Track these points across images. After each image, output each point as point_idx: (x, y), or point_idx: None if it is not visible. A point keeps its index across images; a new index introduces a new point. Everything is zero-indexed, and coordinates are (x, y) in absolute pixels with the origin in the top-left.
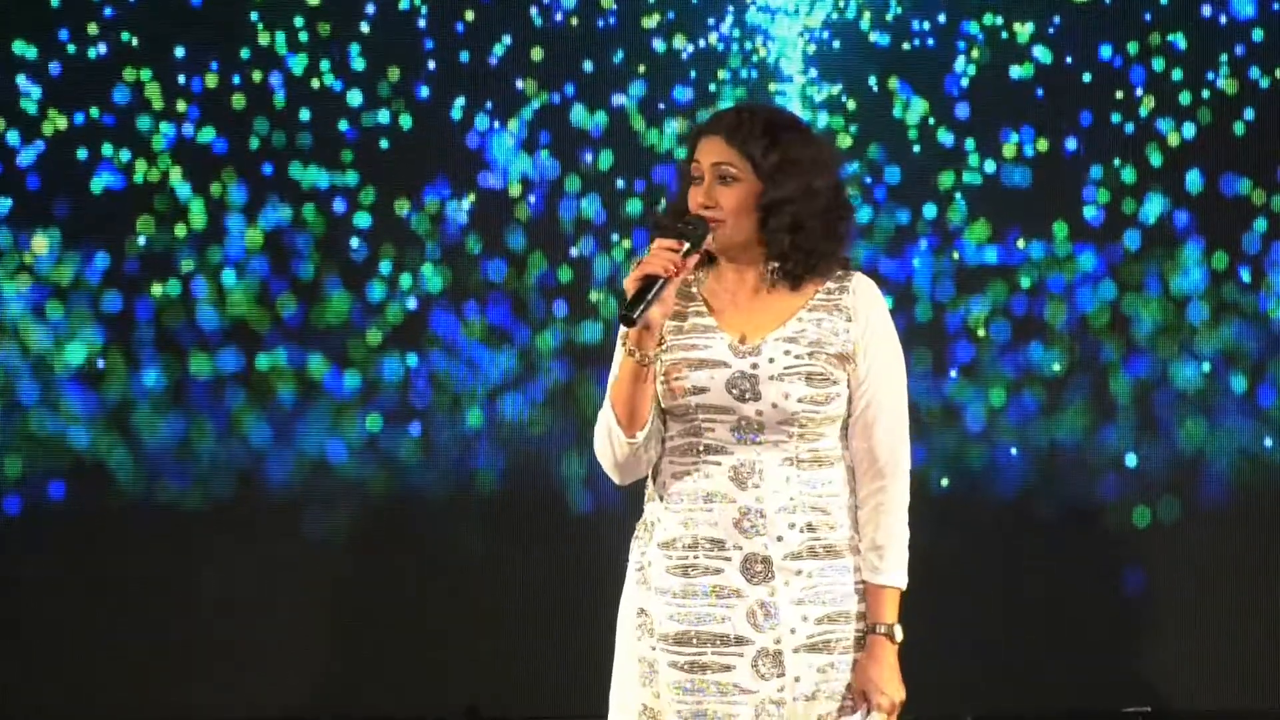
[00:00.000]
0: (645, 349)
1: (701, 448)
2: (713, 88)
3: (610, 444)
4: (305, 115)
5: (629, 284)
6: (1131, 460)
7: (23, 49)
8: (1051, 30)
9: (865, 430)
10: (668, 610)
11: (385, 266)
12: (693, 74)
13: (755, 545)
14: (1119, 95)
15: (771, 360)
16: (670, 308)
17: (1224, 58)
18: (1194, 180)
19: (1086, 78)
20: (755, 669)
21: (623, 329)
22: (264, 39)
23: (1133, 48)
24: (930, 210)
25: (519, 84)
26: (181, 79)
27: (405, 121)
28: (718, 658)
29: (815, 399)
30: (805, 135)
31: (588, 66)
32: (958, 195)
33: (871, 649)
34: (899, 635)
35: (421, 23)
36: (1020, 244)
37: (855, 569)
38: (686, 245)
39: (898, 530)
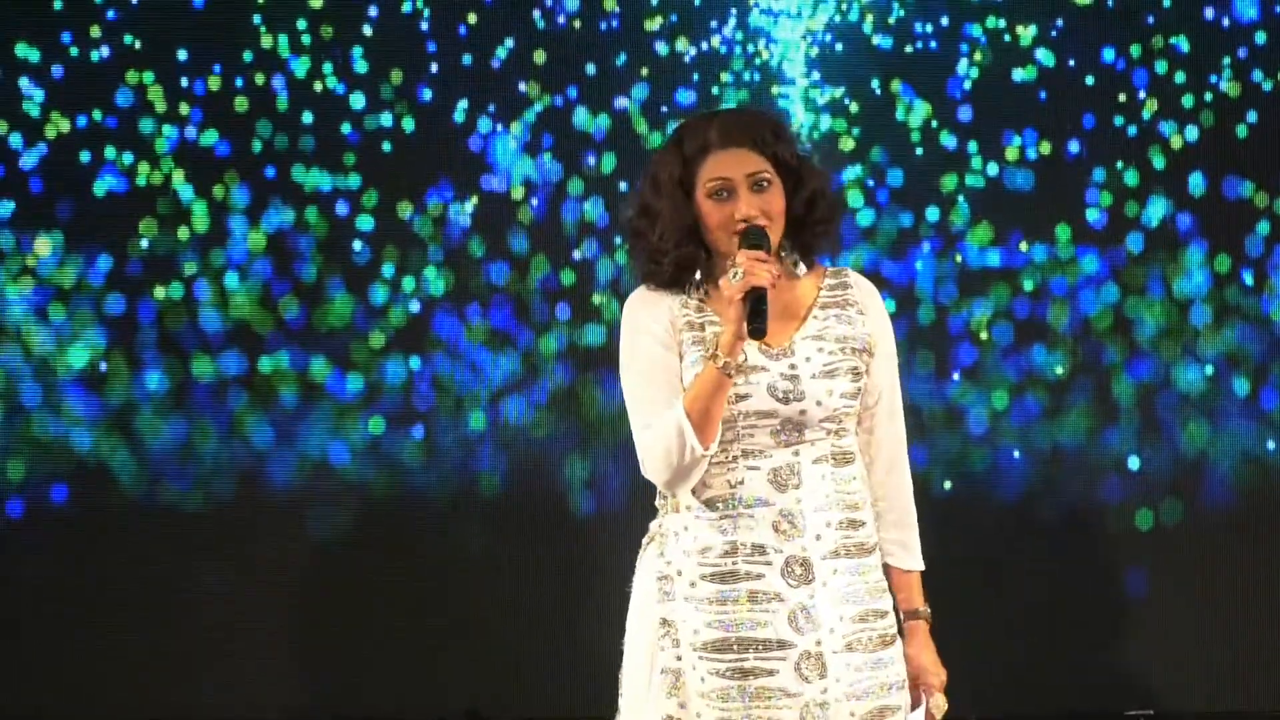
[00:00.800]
0: (736, 358)
1: (738, 453)
2: (715, 90)
3: (680, 454)
4: (308, 118)
5: (736, 303)
6: (1134, 463)
7: (25, 52)
8: (1054, 33)
9: (882, 422)
10: (704, 618)
11: (388, 269)
12: (695, 77)
13: (793, 547)
14: (1122, 98)
15: (808, 359)
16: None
17: (1227, 60)
18: (1197, 183)
19: (1089, 80)
20: (798, 672)
21: (694, 337)
22: (266, 42)
23: (1135, 50)
24: (933, 213)
25: (522, 87)
26: (184, 82)
27: (408, 124)
28: (760, 663)
29: (852, 394)
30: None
31: (590, 69)
32: (960, 198)
33: (916, 635)
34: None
35: (424, 25)
36: (1023, 247)
37: (877, 566)
38: (770, 255)
39: (914, 517)
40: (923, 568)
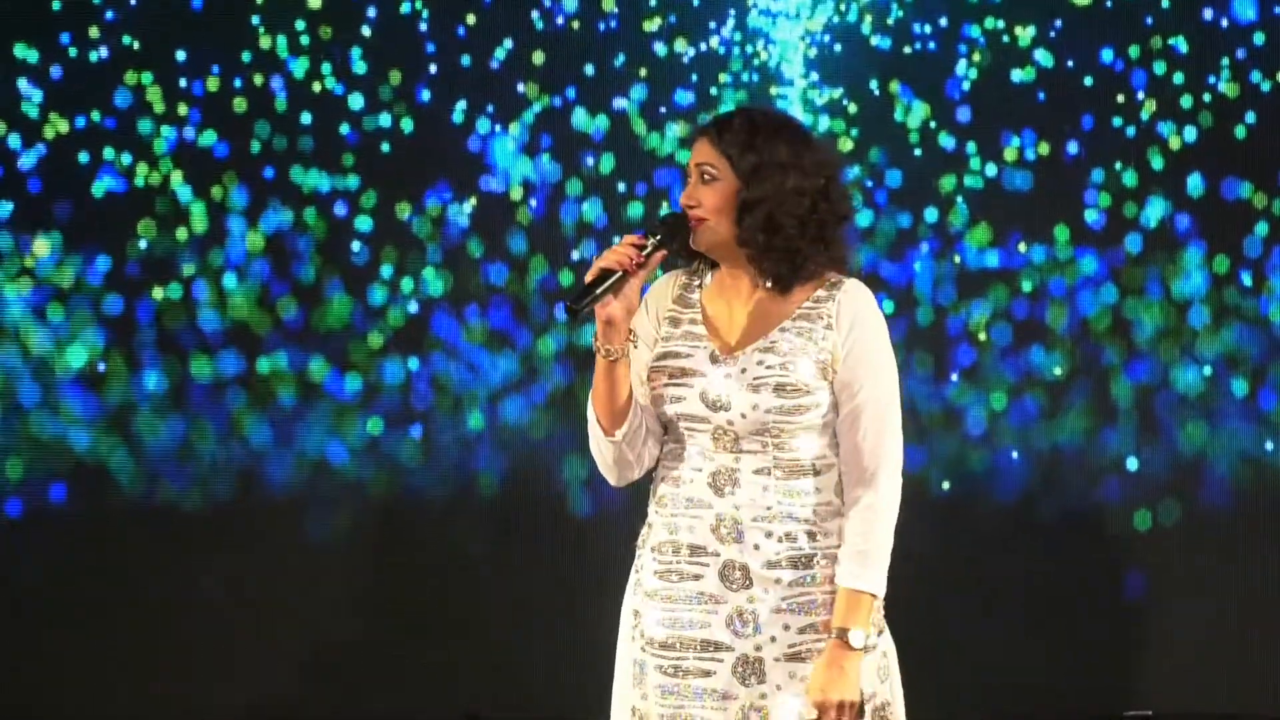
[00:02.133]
0: (610, 344)
1: (685, 454)
2: (714, 91)
3: (596, 442)
4: (306, 119)
5: (588, 275)
6: (1133, 464)
7: (24, 52)
8: (1053, 34)
9: (848, 435)
10: (656, 614)
11: (386, 270)
12: (694, 77)
13: (732, 552)
14: (1120, 99)
15: (743, 371)
16: (634, 304)
17: (1225, 61)
18: (1195, 184)
19: (1088, 81)
20: (735, 675)
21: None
22: (265, 42)
23: (1134, 51)
24: (931, 214)
25: (520, 87)
26: (183, 82)
27: (406, 125)
28: (699, 663)
29: (786, 409)
30: (795, 138)
31: (589, 70)
32: (959, 199)
33: (826, 653)
34: (858, 641)
35: (423, 26)
36: (1021, 248)
37: (833, 579)
38: (653, 241)
39: (882, 538)
40: (875, 591)
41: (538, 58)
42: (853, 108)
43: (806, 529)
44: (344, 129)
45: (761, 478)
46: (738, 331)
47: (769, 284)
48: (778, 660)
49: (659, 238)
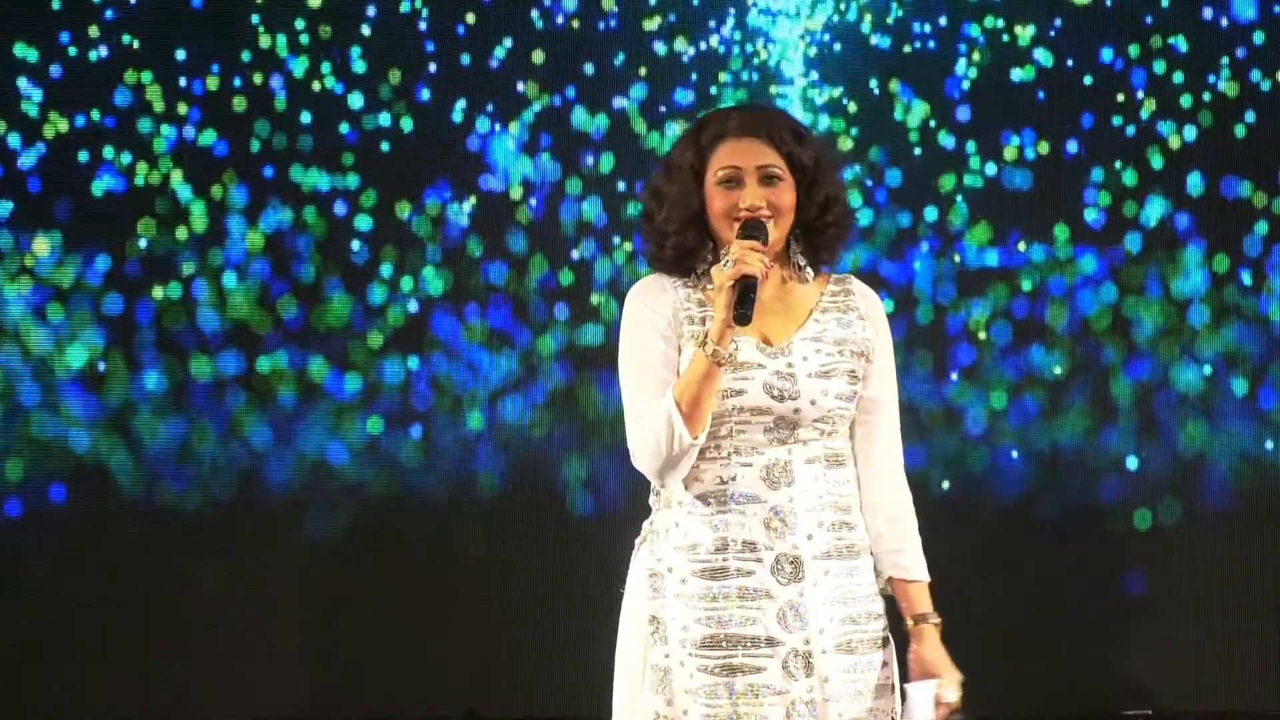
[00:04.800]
0: (726, 347)
1: (731, 449)
2: (714, 90)
3: (669, 443)
4: (306, 118)
5: (726, 290)
6: (1132, 463)
7: (24, 51)
8: (1052, 33)
9: (882, 431)
10: (693, 614)
11: (386, 269)
12: (694, 77)
13: (784, 545)
14: (1120, 98)
15: (805, 359)
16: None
17: (1225, 60)
18: (1195, 183)
19: (1087, 80)
20: (786, 669)
21: (695, 330)
22: (265, 41)
23: (1134, 50)
24: (931, 213)
25: (520, 86)
26: (183, 81)
27: (406, 124)
28: (748, 659)
29: (848, 395)
30: (813, 136)
31: (589, 69)
32: (959, 198)
33: (925, 637)
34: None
35: (422, 25)
36: (1021, 247)
37: (871, 569)
38: (761, 243)
39: (915, 528)
40: (928, 579)
41: (537, 57)
42: (852, 107)
43: (848, 519)
44: (344, 128)
45: (813, 467)
46: (768, 325)
47: (809, 275)
48: (825, 652)
49: (761, 241)
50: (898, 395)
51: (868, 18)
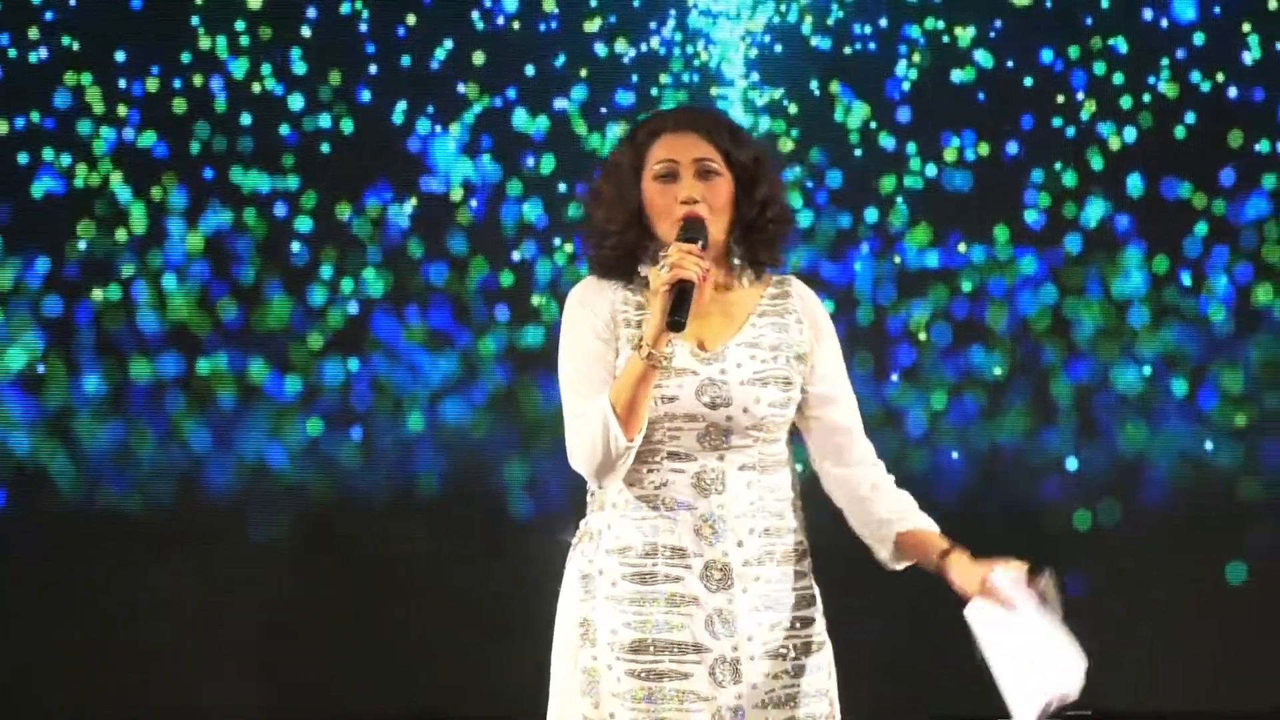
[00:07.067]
0: (663, 350)
1: (664, 455)
2: (655, 92)
3: (605, 445)
4: (246, 119)
5: (662, 294)
6: (1072, 464)
7: None
8: (993, 34)
9: (840, 417)
10: (622, 618)
11: (326, 270)
12: (634, 78)
13: (714, 552)
14: (1060, 99)
15: (739, 365)
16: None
17: (1165, 62)
18: (1135, 184)
19: (1028, 82)
20: (713, 676)
21: (632, 334)
22: (205, 43)
23: (1074, 52)
24: (872, 214)
25: (460, 88)
26: (122, 83)
27: (346, 125)
28: (675, 665)
29: (780, 403)
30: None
31: (529, 70)
32: (899, 199)
33: (962, 554)
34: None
35: (363, 27)
36: (961, 248)
37: (805, 573)
38: (699, 248)
39: (908, 494)
40: (936, 528)
41: (478, 58)
42: (793, 108)
43: (780, 524)
44: (284, 129)
45: (746, 474)
46: (705, 330)
47: (746, 279)
48: (753, 659)
49: (701, 244)
50: (852, 388)
51: (808, 19)
